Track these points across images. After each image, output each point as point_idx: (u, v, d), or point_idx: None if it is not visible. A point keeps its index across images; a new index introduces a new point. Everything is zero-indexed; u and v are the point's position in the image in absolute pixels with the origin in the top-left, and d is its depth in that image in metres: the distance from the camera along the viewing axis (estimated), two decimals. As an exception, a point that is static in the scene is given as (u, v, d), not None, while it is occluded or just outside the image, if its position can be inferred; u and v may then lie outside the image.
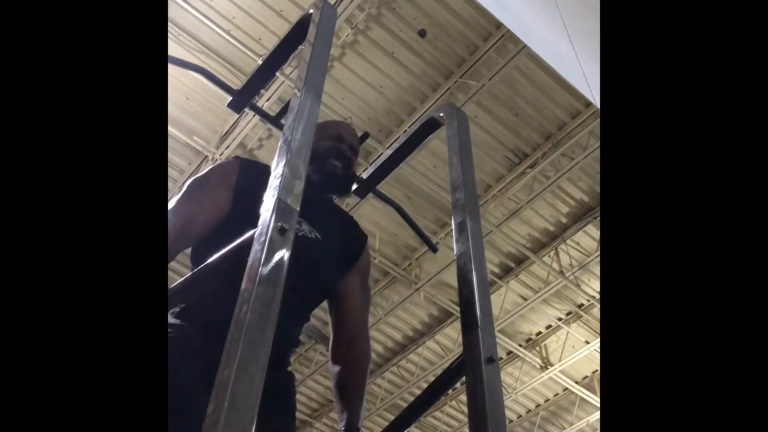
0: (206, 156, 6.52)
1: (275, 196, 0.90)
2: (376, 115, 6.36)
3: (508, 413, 8.72)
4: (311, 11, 1.31)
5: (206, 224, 1.50)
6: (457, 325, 7.62)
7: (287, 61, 1.71)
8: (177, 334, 1.37)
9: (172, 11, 5.51)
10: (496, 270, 7.50)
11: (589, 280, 7.41)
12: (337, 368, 1.64)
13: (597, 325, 7.70)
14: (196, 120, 6.43)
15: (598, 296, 7.34)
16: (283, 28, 5.62)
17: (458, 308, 1.20)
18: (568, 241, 7.15)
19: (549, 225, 7.14)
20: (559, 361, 8.04)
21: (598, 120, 5.49)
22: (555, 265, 7.23)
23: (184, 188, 1.57)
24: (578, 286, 7.29)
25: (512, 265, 7.47)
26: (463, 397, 5.90)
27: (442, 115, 1.51)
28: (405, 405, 7.13)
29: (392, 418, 6.23)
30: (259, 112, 2.35)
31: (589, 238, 7.13)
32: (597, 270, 7.20)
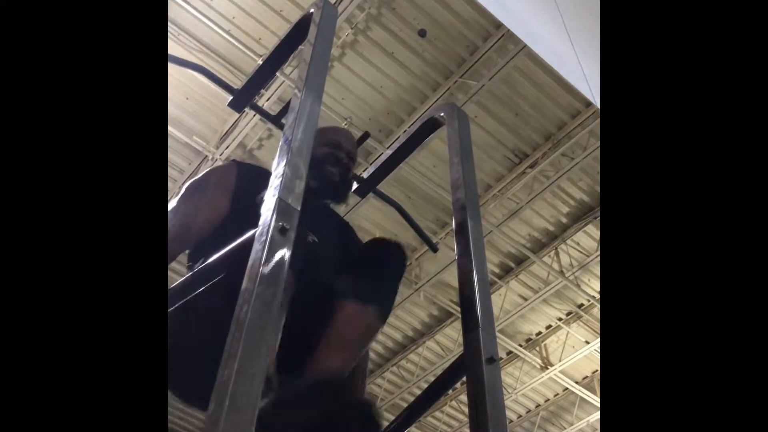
0: (206, 156, 6.52)
1: (276, 196, 0.90)
2: (376, 115, 6.36)
3: (508, 413, 8.71)
4: (312, 11, 1.31)
5: (203, 227, 1.51)
6: (457, 325, 7.62)
7: (287, 61, 1.71)
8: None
9: (172, 11, 5.51)
10: (496, 270, 7.50)
11: (589, 280, 7.41)
12: None
13: (597, 325, 7.70)
14: (196, 120, 6.42)
15: (598, 296, 7.34)
16: (283, 28, 5.62)
17: (458, 308, 1.20)
18: (568, 241, 7.15)
19: (549, 225, 7.14)
20: (559, 361, 8.04)
21: (598, 120, 5.49)
22: (555, 265, 7.23)
23: (182, 191, 1.57)
24: (578, 286, 7.29)
25: (512, 265, 7.47)
26: (463, 397, 5.90)
27: (442, 114, 1.51)
28: (405, 405, 7.13)
29: (392, 418, 6.22)
30: (260, 111, 2.35)
31: (589, 238, 7.13)
32: (597, 270, 7.20)
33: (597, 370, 8.30)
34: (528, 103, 6.21)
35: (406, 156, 1.69)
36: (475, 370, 1.01)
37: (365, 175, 1.82)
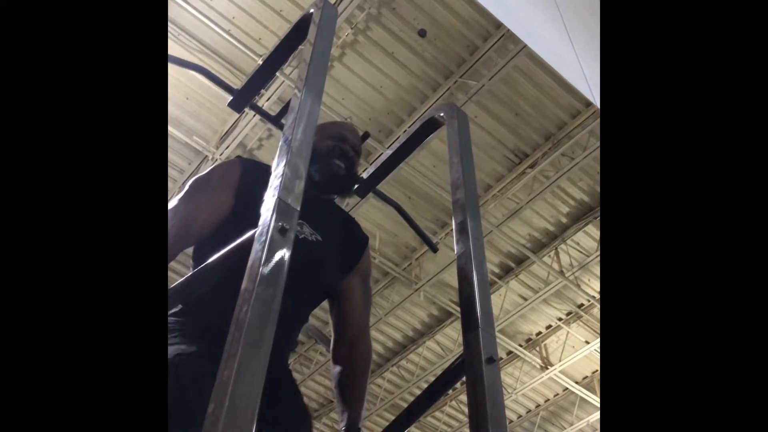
0: (206, 156, 6.52)
1: (276, 196, 0.90)
2: (376, 115, 6.36)
3: (508, 413, 8.72)
4: (311, 11, 1.31)
5: (207, 224, 1.50)
6: (457, 325, 7.62)
7: (287, 61, 1.70)
8: (178, 334, 1.38)
9: (172, 11, 5.52)
10: (496, 270, 7.50)
11: (589, 280, 7.41)
12: (338, 369, 1.64)
13: (597, 325, 7.70)
14: (196, 120, 6.43)
15: (598, 296, 7.34)
16: (283, 28, 5.62)
17: (458, 308, 1.20)
18: (568, 241, 7.15)
19: (549, 225, 7.14)
20: (559, 361, 8.04)
21: (598, 120, 5.49)
22: (555, 265, 7.24)
23: (186, 188, 1.57)
24: (578, 286, 7.29)
25: (512, 265, 7.47)
26: (463, 397, 5.90)
27: (442, 114, 1.51)
28: (405, 405, 7.13)
29: (392, 418, 6.23)
30: (260, 111, 2.35)
31: (589, 238, 7.14)
32: (597, 270, 7.20)
33: (597, 370, 8.30)
34: (528, 103, 6.22)
35: (406, 156, 1.69)
36: (474, 370, 1.01)
37: (365, 175, 1.82)
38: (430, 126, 1.55)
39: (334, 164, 1.68)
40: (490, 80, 5.88)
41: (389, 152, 1.70)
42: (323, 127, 1.73)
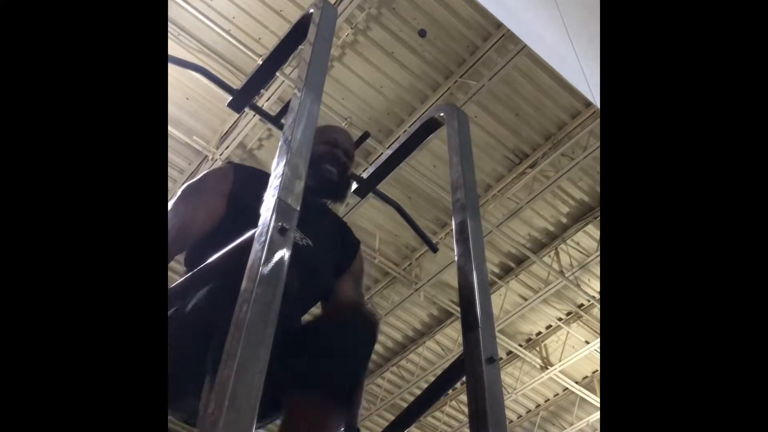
0: (206, 156, 6.52)
1: (276, 196, 0.90)
2: (376, 115, 6.36)
3: (508, 413, 8.71)
4: (311, 11, 1.31)
5: (201, 229, 1.51)
6: (457, 325, 7.61)
7: (287, 61, 1.70)
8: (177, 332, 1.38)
9: (172, 11, 5.51)
10: (496, 270, 7.50)
11: (589, 280, 7.41)
12: None
13: (597, 325, 7.69)
14: (196, 120, 6.42)
15: (598, 296, 7.33)
16: (283, 28, 5.62)
17: (458, 308, 1.20)
18: (568, 241, 7.15)
19: (549, 225, 7.13)
20: (559, 361, 8.04)
21: (598, 120, 5.49)
22: (555, 265, 7.23)
23: (179, 193, 1.58)
24: (578, 286, 7.28)
25: (512, 265, 7.47)
26: (463, 397, 5.90)
27: (442, 114, 1.51)
28: (405, 405, 7.12)
29: (392, 418, 6.23)
30: (260, 111, 2.35)
31: (589, 238, 7.13)
32: (597, 270, 7.20)
33: (597, 370, 8.30)
34: (528, 103, 6.21)
35: (406, 156, 1.69)
36: (474, 370, 1.01)
37: (365, 175, 1.82)
38: (430, 126, 1.55)
39: (326, 169, 1.68)
40: (490, 80, 5.88)
41: (389, 152, 1.70)
42: (317, 131, 1.74)
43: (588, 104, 6.09)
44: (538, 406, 8.92)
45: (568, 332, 7.96)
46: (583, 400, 8.40)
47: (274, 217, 0.87)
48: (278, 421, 1.35)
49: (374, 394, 8.51)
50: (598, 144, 5.69)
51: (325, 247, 1.63)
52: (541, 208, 6.96)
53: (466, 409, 1.11)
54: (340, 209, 5.64)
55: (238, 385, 0.71)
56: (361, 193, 1.84)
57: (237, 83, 3.99)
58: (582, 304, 7.74)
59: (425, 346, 8.22)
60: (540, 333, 8.20)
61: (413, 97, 6.24)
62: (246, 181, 1.60)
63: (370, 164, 1.85)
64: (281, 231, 0.86)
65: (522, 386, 8.43)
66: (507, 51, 5.78)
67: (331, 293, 1.68)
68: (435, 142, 5.53)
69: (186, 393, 1.21)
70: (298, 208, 0.92)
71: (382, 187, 1.94)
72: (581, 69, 2.96)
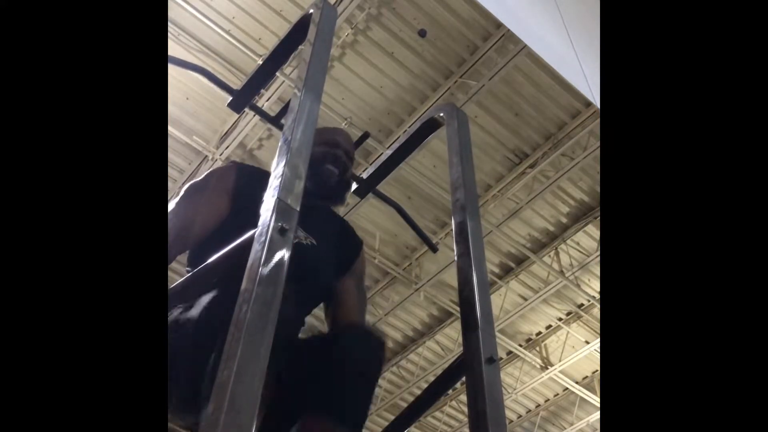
0: (206, 156, 6.52)
1: (275, 196, 0.90)
2: (376, 115, 6.36)
3: (508, 413, 8.72)
4: (311, 11, 1.31)
5: (203, 228, 1.51)
6: (457, 325, 7.61)
7: (287, 61, 1.71)
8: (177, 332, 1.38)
9: (172, 11, 5.51)
10: (496, 270, 7.49)
11: (589, 280, 7.41)
12: None
13: (597, 325, 7.69)
14: (196, 120, 6.42)
15: (598, 296, 7.33)
16: (283, 28, 5.62)
17: (458, 308, 1.20)
18: (568, 241, 7.15)
19: (549, 225, 7.13)
20: (559, 361, 8.04)
21: (598, 120, 5.49)
22: (555, 265, 7.23)
23: (182, 193, 1.57)
24: (578, 286, 7.29)
25: (512, 265, 7.47)
26: (463, 397, 5.89)
27: (442, 115, 1.51)
28: (405, 405, 7.12)
29: (392, 418, 6.23)
30: (259, 112, 2.35)
31: (589, 238, 7.13)
32: (597, 270, 7.20)
33: (597, 370, 8.30)
34: (528, 103, 6.21)
35: (406, 156, 1.69)
36: (474, 370, 1.01)
37: (365, 175, 1.82)
38: (430, 126, 1.55)
39: (327, 170, 1.67)
40: (490, 80, 5.88)
41: (389, 152, 1.70)
42: (317, 132, 1.73)
43: (588, 104, 6.09)
44: (538, 406, 8.92)
45: (568, 332, 7.96)
46: (583, 400, 8.40)
47: (273, 217, 0.87)
48: None
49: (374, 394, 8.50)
50: (598, 144, 5.69)
51: (328, 247, 1.64)
52: (541, 208, 6.96)
53: (466, 409, 1.11)
54: (340, 209, 5.64)
55: (238, 385, 0.71)
56: (361, 193, 1.84)
57: (237, 83, 3.99)
58: (582, 304, 7.74)
59: (425, 346, 8.22)
60: (540, 333, 8.20)
61: (413, 97, 6.24)
62: (249, 181, 1.60)
63: (370, 164, 1.85)
64: (281, 231, 0.86)
65: (522, 386, 8.43)
66: (507, 51, 5.78)
67: (333, 294, 1.68)
68: (435, 142, 5.53)
69: (190, 398, 1.21)
70: (298, 209, 0.92)
71: (382, 187, 1.94)
72: (581, 69, 2.96)
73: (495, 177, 6.74)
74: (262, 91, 5.77)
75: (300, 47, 1.37)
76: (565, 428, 8.91)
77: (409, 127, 3.47)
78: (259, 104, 5.75)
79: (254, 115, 5.99)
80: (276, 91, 5.95)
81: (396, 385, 8.61)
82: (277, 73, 5.26)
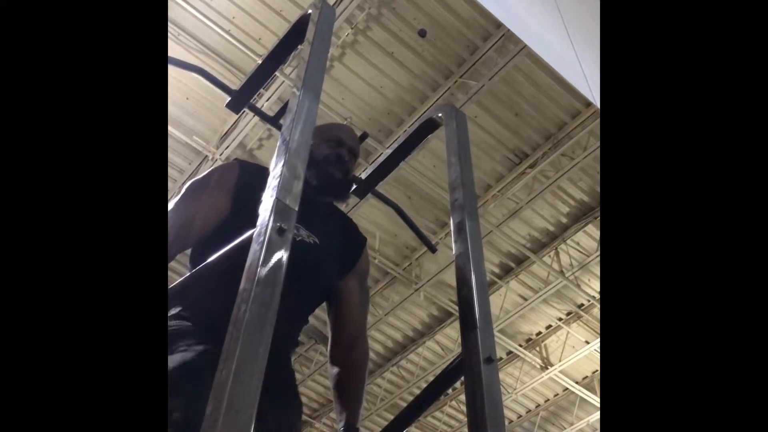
0: (206, 156, 6.52)
1: (274, 197, 0.90)
2: (376, 115, 6.36)
3: (508, 413, 8.72)
4: (310, 11, 1.31)
5: (205, 226, 1.51)
6: (457, 325, 7.59)
7: (287, 61, 1.70)
8: (177, 333, 1.38)
9: (172, 11, 5.51)
10: (496, 270, 7.50)
11: (589, 280, 7.41)
12: (335, 370, 1.64)
13: (597, 325, 7.70)
14: (196, 120, 6.43)
15: (598, 296, 7.33)
16: (283, 28, 5.62)
17: (458, 308, 1.20)
18: (568, 241, 7.15)
19: (549, 225, 7.14)
20: (559, 361, 8.04)
21: (598, 120, 5.49)
22: (555, 265, 7.23)
23: (184, 190, 1.57)
24: (578, 286, 7.29)
25: (512, 265, 7.47)
26: (463, 397, 5.88)
27: (440, 115, 1.51)
28: (405, 405, 7.11)
29: (392, 418, 6.22)
30: (258, 112, 2.34)
31: (589, 238, 7.13)
32: (597, 270, 7.20)
33: (597, 370, 8.30)
34: (528, 103, 6.21)
35: (405, 157, 1.68)
36: (473, 370, 1.01)
37: (365, 175, 1.82)
38: (429, 126, 1.55)
39: (331, 169, 1.67)
40: (490, 80, 5.88)
41: (389, 152, 1.70)
42: (320, 129, 1.73)
43: (588, 104, 6.09)
44: (538, 406, 8.92)
45: (568, 332, 7.96)
46: (583, 400, 8.40)
47: (272, 217, 0.87)
48: None
49: (374, 394, 8.51)
50: (598, 144, 5.69)
51: (331, 245, 1.63)
52: (541, 208, 6.96)
53: (465, 409, 1.11)
54: (343, 207, 5.63)
55: (237, 385, 0.71)
56: (360, 193, 1.84)
57: (237, 83, 3.99)
58: (582, 304, 7.74)
59: (425, 346, 8.22)
60: (540, 333, 8.20)
61: (413, 97, 6.24)
62: (251, 179, 1.59)
63: (370, 164, 1.85)
64: (279, 231, 0.86)
65: (522, 386, 8.44)
66: (507, 51, 5.78)
67: (336, 293, 1.68)
68: (435, 142, 5.54)
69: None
70: (297, 209, 0.92)
71: (381, 187, 1.94)
72: (581, 69, 2.96)
73: (495, 177, 6.74)
74: (262, 91, 5.77)
75: (299, 47, 1.37)
76: (565, 428, 8.91)
77: (409, 127, 3.47)
78: (259, 104, 5.76)
79: (254, 115, 5.99)
80: (276, 91, 5.95)
81: (396, 385, 8.61)
82: (277, 73, 5.26)
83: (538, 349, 8.19)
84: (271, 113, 2.22)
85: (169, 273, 1.22)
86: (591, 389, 8.26)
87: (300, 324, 1.63)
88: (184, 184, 1.65)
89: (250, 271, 0.82)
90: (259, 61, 5.75)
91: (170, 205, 1.51)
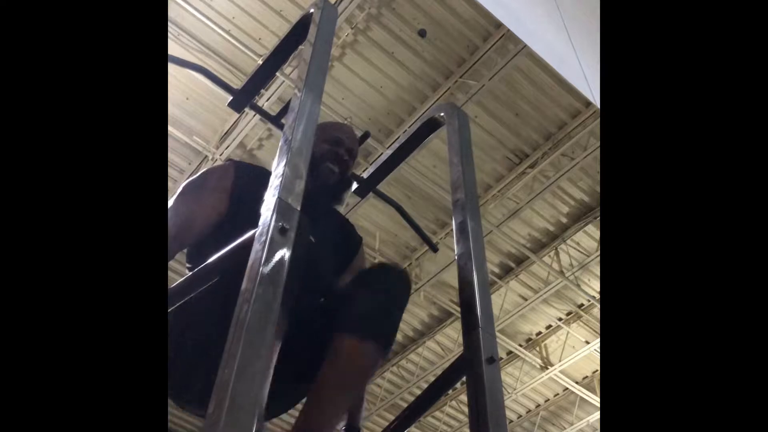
0: (206, 156, 6.52)
1: (276, 196, 0.90)
2: (376, 115, 6.36)
3: (508, 413, 8.71)
4: (311, 11, 1.31)
5: (202, 226, 1.51)
6: (457, 325, 7.62)
7: (287, 61, 1.71)
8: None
9: (172, 11, 5.51)
10: (496, 270, 7.50)
11: (589, 280, 7.41)
12: None
13: (597, 325, 7.70)
14: (196, 120, 6.42)
15: (598, 296, 7.33)
16: (283, 28, 5.62)
17: (458, 308, 1.20)
18: (568, 241, 7.15)
19: (549, 225, 7.14)
20: (559, 361, 8.04)
21: (598, 120, 5.49)
22: (555, 265, 7.23)
23: (180, 190, 1.57)
24: (578, 286, 7.29)
25: (512, 265, 7.47)
26: (463, 397, 5.88)
27: (442, 114, 1.51)
28: (405, 405, 7.12)
29: (392, 418, 6.23)
30: (260, 111, 2.35)
31: (589, 238, 7.14)
32: (597, 270, 7.20)
33: (597, 370, 8.30)
34: (528, 103, 6.21)
35: (406, 156, 1.69)
36: (475, 370, 1.01)
37: (365, 175, 1.82)
38: (430, 126, 1.55)
39: (328, 168, 1.67)
40: (490, 80, 5.88)
41: (389, 152, 1.70)
42: (320, 128, 1.73)
43: (588, 104, 6.09)
44: (538, 406, 8.92)
45: (568, 332, 7.96)
46: (583, 400, 8.40)
47: (274, 217, 0.87)
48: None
49: (374, 394, 8.51)
50: (598, 144, 5.69)
51: (328, 245, 1.64)
52: (541, 208, 6.96)
53: (466, 409, 1.11)
54: (340, 209, 5.64)
55: (239, 384, 0.71)
56: (361, 193, 1.84)
57: (237, 83, 3.99)
58: (582, 304, 7.74)
59: (425, 346, 8.22)
60: (540, 333, 8.20)
61: (413, 97, 6.24)
62: (247, 179, 1.60)
63: (370, 164, 1.85)
64: (281, 231, 0.86)
65: (522, 386, 8.44)
66: (507, 51, 5.78)
67: (332, 292, 1.68)
68: (435, 141, 5.54)
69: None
70: (299, 208, 0.92)
71: (382, 186, 1.94)
72: (581, 69, 2.96)
73: (495, 177, 6.74)
74: (262, 91, 5.77)
75: (300, 47, 1.37)
76: (565, 428, 8.92)
77: (409, 127, 3.47)
78: (259, 104, 5.75)
79: (254, 115, 5.99)
80: (276, 91, 5.95)
81: (396, 385, 8.61)
82: (278, 73, 5.26)
83: (538, 349, 8.19)
84: (271, 113, 2.22)
85: (170, 273, 1.22)
86: (591, 389, 8.26)
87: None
88: (180, 185, 1.65)
89: (252, 271, 0.82)
90: (260, 61, 5.74)
91: (169, 205, 1.51)
